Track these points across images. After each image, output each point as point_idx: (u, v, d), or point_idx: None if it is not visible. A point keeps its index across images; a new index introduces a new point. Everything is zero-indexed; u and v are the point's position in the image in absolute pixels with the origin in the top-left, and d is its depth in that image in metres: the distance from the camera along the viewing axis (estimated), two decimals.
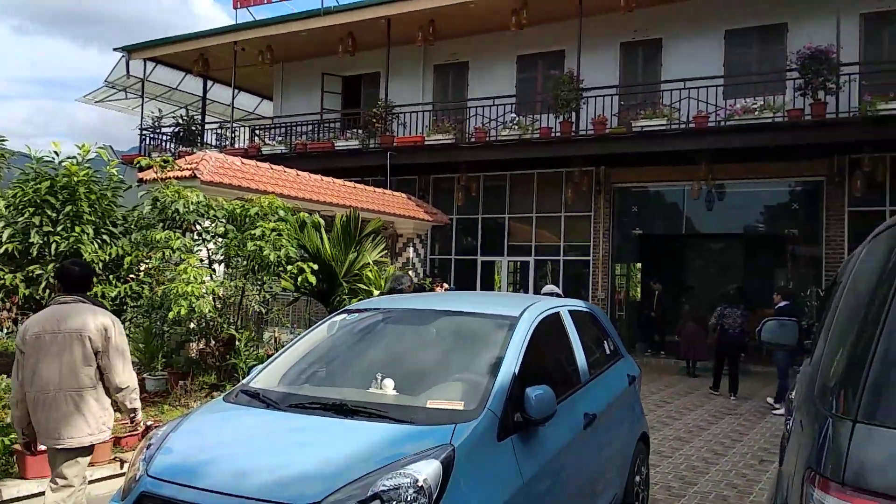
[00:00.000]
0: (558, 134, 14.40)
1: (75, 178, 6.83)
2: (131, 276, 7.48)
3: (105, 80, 22.04)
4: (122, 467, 5.51)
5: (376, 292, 8.05)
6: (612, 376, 4.66)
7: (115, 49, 20.53)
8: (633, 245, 16.89)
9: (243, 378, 3.95)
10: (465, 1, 15.12)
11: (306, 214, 8.94)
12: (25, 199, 6.77)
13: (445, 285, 11.09)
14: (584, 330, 4.49)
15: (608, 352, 4.88)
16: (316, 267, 8.00)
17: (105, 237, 7.13)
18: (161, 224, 7.69)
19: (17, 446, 4.99)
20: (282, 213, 8.12)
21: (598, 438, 4.01)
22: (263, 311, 8.99)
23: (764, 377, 12.23)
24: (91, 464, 4.51)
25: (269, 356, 7.73)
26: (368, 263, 8.87)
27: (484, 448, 2.89)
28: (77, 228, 6.74)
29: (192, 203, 7.62)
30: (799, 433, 1.91)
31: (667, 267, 17.34)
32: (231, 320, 8.23)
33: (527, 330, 3.58)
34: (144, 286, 7.44)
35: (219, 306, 8.04)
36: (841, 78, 12.21)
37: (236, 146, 18.86)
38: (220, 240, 8.03)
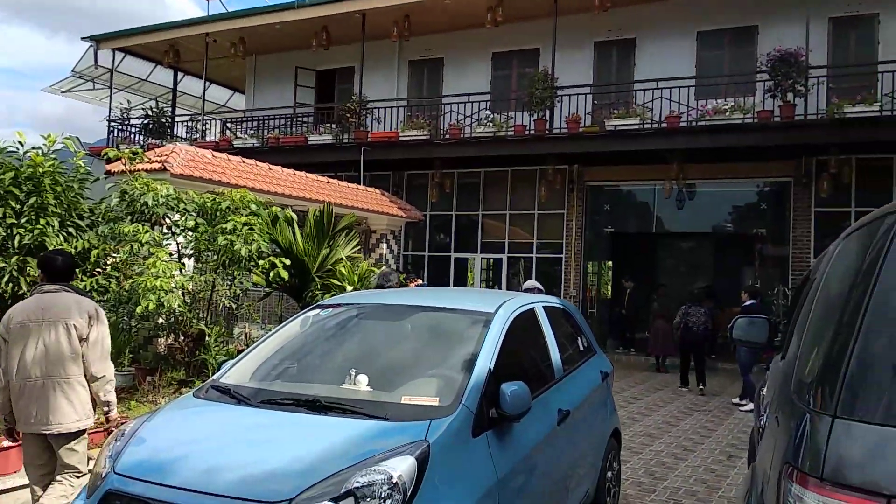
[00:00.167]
0: (532, 132, 14.43)
1: (40, 169, 6.66)
2: (98, 269, 7.33)
3: (72, 70, 21.56)
4: (88, 465, 5.38)
5: (350, 288, 7.99)
6: (586, 373, 4.68)
7: (83, 38, 20.11)
8: (605, 243, 17.03)
9: (213, 374, 3.89)
10: None
11: (279, 209, 8.84)
12: None
13: (419, 281, 11.06)
14: (559, 326, 4.50)
15: (582, 348, 4.90)
16: (288, 262, 7.93)
17: (71, 230, 6.97)
18: (129, 217, 7.54)
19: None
20: (254, 207, 8.02)
21: (571, 434, 4.02)
22: (234, 306, 8.87)
23: (732, 374, 12.42)
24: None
25: (239, 352, 7.63)
26: (342, 259, 8.81)
27: (459, 444, 2.87)
28: (42, 221, 6.57)
29: (161, 196, 7.49)
30: (774, 429, 1.92)
31: (638, 265, 17.53)
32: (201, 315, 8.10)
33: (502, 326, 3.57)
34: (111, 280, 7.29)
35: (188, 301, 7.91)
36: (809, 80, 12.43)
37: (207, 139, 18.58)
38: (190, 234, 7.90)
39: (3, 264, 6.49)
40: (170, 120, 19.79)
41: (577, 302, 15.21)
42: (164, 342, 8.09)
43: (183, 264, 8.01)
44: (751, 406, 9.62)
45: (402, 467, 2.57)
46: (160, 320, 7.88)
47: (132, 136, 19.47)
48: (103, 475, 2.88)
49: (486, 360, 3.26)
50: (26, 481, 4.30)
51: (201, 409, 3.32)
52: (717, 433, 8.17)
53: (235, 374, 3.67)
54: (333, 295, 7.28)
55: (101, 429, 5.53)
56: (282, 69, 19.17)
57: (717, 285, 16.12)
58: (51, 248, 6.48)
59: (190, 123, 19.81)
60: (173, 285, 7.14)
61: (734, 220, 15.67)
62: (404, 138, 15.76)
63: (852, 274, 1.68)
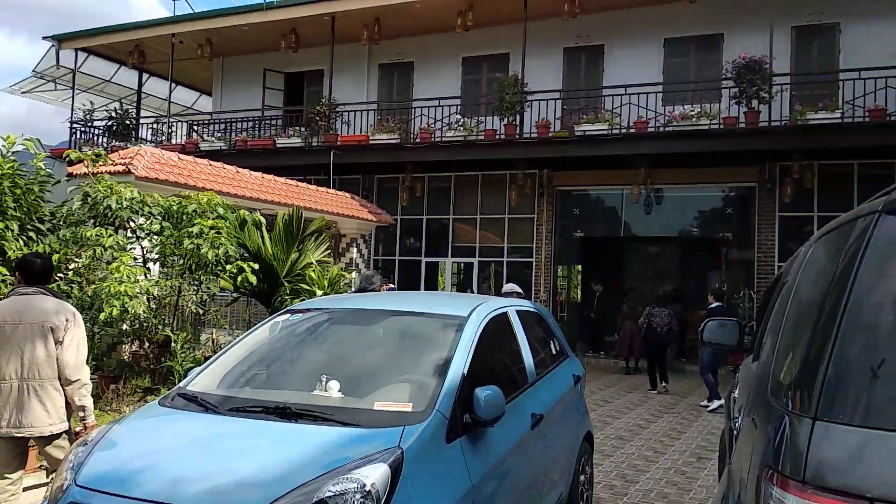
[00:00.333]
0: (503, 136, 14.48)
1: None
2: (59, 274, 7.12)
3: (33, 71, 21.05)
4: (48, 476, 5.21)
5: (319, 293, 7.90)
6: (558, 376, 4.67)
7: (44, 38, 19.64)
8: (575, 247, 17.14)
9: (179, 381, 3.79)
10: (411, 1, 15.06)
11: (247, 213, 8.71)
12: None
13: (390, 285, 10.99)
14: (532, 330, 4.49)
15: (554, 352, 4.90)
16: (256, 266, 7.79)
17: (31, 234, 6.76)
18: (92, 221, 7.35)
19: None
20: (221, 210, 7.88)
21: (544, 438, 4.00)
22: (201, 311, 8.70)
23: (699, 376, 12.54)
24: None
25: (206, 358, 7.48)
26: (311, 263, 8.70)
27: (433, 451, 2.83)
28: (0, 224, 6.37)
29: (125, 199, 7.31)
30: (751, 431, 1.91)
31: (607, 269, 17.68)
32: (166, 321, 7.93)
33: (475, 330, 3.54)
34: (74, 285, 7.10)
35: (153, 307, 7.74)
36: (773, 88, 12.68)
37: (173, 142, 18.27)
38: (155, 238, 7.73)
39: None
40: (134, 122, 19.42)
41: (548, 305, 15.28)
42: (129, 349, 7.89)
43: (148, 269, 7.84)
44: (715, 404, 9.80)
45: (375, 475, 2.51)
46: (124, 326, 7.69)
47: (95, 138, 19.05)
48: (64, 487, 2.77)
49: (459, 365, 3.22)
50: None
51: (167, 418, 3.23)
52: (687, 435, 8.25)
53: (203, 381, 3.58)
54: (303, 300, 7.19)
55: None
56: (250, 71, 18.96)
57: (685, 288, 16.37)
58: (10, 252, 6.28)
59: (155, 125, 19.46)
60: (138, 290, 6.97)
61: (701, 225, 15.90)
62: (374, 142, 15.69)
63: (827, 276, 1.68)
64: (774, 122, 12.77)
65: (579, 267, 18.11)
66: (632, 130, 13.59)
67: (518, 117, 14.30)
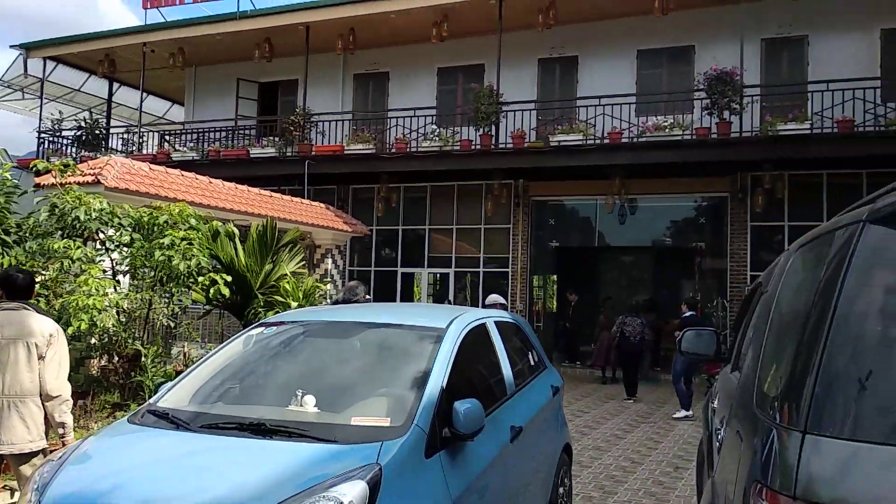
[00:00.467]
0: (478, 147, 14.50)
1: None
2: None
3: (0, 79, 20.64)
4: (12, 496, 5.04)
5: (294, 305, 7.78)
6: (537, 388, 4.64)
7: (11, 46, 19.27)
8: (550, 257, 17.19)
9: (150, 397, 3.69)
10: (386, 11, 15.07)
11: (220, 223, 8.57)
12: None
13: (367, 296, 10.89)
14: (510, 341, 4.45)
15: (532, 363, 4.86)
16: (229, 278, 7.66)
17: None
18: (60, 232, 7.17)
19: None
20: (193, 221, 7.74)
21: (524, 451, 3.96)
22: (172, 324, 8.54)
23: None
24: None
25: (178, 372, 7.32)
26: (286, 275, 8.57)
27: (412, 466, 2.77)
28: None
29: (94, 210, 7.14)
30: (737, 444, 1.89)
31: (581, 279, 17.76)
32: (137, 335, 7.76)
33: (454, 342, 3.49)
34: (41, 299, 6.90)
35: (123, 320, 7.56)
36: (744, 99, 12.87)
37: (144, 152, 18.00)
38: (125, 249, 7.57)
39: None
40: (104, 132, 19.11)
41: (524, 315, 15.27)
42: (97, 363, 7.70)
43: (118, 281, 7.67)
44: (681, 413, 9.89)
45: (353, 493, 2.45)
46: (93, 341, 7.50)
47: (64, 148, 18.72)
48: None
49: (438, 378, 3.16)
50: None
51: (136, 436, 3.12)
52: (663, 445, 8.26)
53: (174, 397, 3.48)
54: (277, 312, 7.08)
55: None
56: (223, 81, 18.78)
57: (658, 297, 16.48)
58: None
59: (126, 135, 19.16)
60: (107, 304, 6.80)
61: (674, 234, 16.05)
62: (349, 152, 15.62)
63: (810, 287, 1.67)
64: (746, 132, 12.96)
65: (555, 277, 18.15)
66: (606, 141, 13.70)
67: (493, 128, 14.34)
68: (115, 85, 20.70)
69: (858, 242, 1.43)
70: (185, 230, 7.48)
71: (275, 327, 4.03)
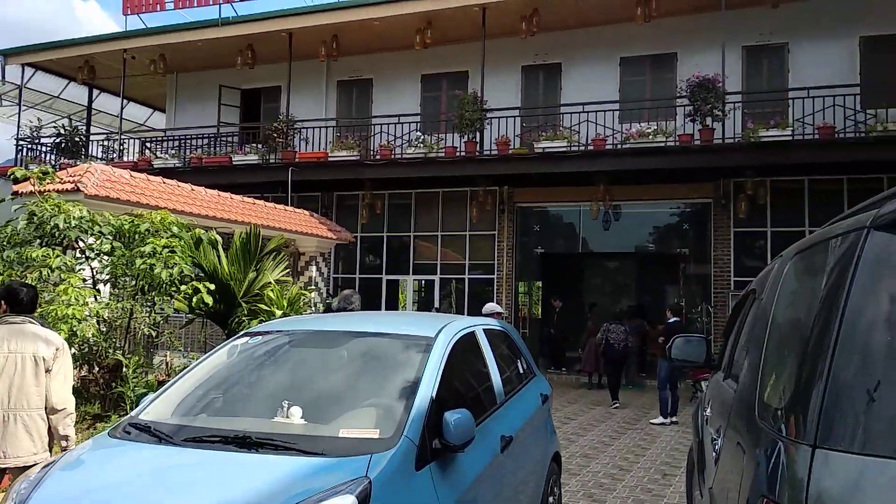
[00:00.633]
0: (463, 153, 14.48)
1: None
2: None
3: None
4: None
5: (279, 313, 7.69)
6: (526, 396, 4.59)
7: None
8: (535, 263, 17.20)
9: (131, 408, 3.60)
10: (369, 18, 15.03)
11: (202, 231, 8.45)
12: None
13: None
14: (499, 349, 4.41)
15: (521, 371, 4.82)
16: (212, 286, 7.55)
17: None
18: (38, 241, 7.04)
19: None
20: (175, 229, 7.64)
21: (514, 461, 3.91)
22: (154, 334, 8.39)
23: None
24: None
25: (159, 382, 7.19)
26: (270, 283, 8.47)
27: (402, 479, 2.71)
28: None
29: (74, 218, 7.02)
30: (738, 456, 1.85)
31: (566, 285, 17.79)
32: (118, 345, 7.62)
33: (443, 351, 3.43)
34: None
35: (104, 330, 7.43)
36: (726, 106, 12.96)
37: (125, 159, 17.80)
38: (105, 258, 7.44)
39: None
40: (84, 139, 18.87)
41: (510, 322, 15.25)
42: (78, 374, 7.54)
43: (98, 290, 7.54)
44: (660, 419, 9.91)
45: None
46: (73, 351, 7.35)
47: (43, 155, 18.46)
48: None
49: (427, 388, 3.11)
50: None
51: (117, 450, 3.03)
52: (651, 451, 8.24)
53: (156, 409, 3.38)
54: (262, 321, 6.99)
55: None
56: (205, 87, 18.63)
57: (643, 303, 16.54)
58: None
59: (106, 143, 18.95)
60: (87, 313, 6.68)
61: (658, 241, 16.12)
62: (333, 159, 15.53)
63: (812, 295, 1.63)
64: (728, 139, 13.05)
65: (540, 283, 18.16)
66: (590, 147, 13.73)
67: (478, 134, 14.34)
68: (95, 92, 20.45)
69: (863, 249, 1.39)
70: (166, 238, 7.37)
71: (260, 337, 3.95)
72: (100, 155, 18.79)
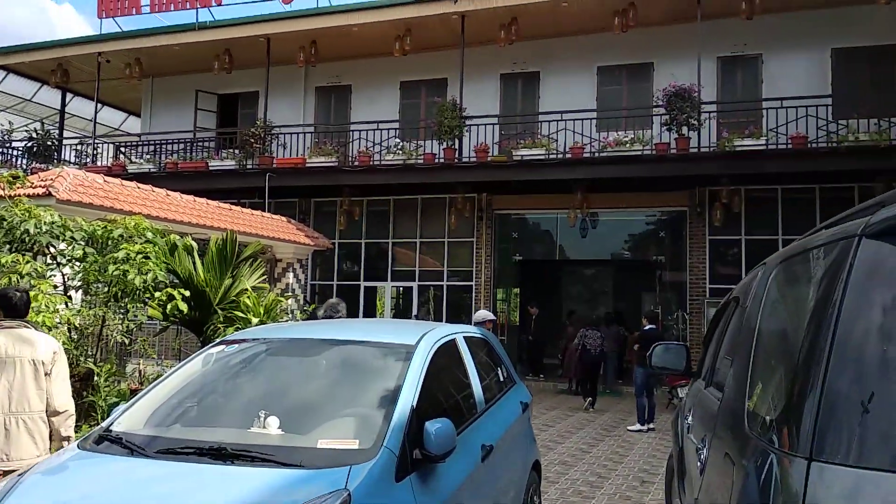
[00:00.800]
0: (442, 160, 14.47)
1: None
2: None
3: None
4: None
5: (255, 321, 7.57)
6: (507, 404, 4.55)
7: None
8: (513, 270, 17.22)
9: (103, 418, 3.50)
10: (348, 24, 14.99)
11: (177, 237, 8.32)
12: None
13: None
14: (480, 357, 4.37)
15: (501, 379, 4.79)
16: (187, 293, 7.42)
17: None
18: (8, 246, 6.85)
19: None
20: (150, 235, 7.49)
21: (494, 470, 3.87)
22: (127, 341, 8.23)
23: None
24: None
25: (132, 391, 7.04)
26: (246, 289, 8.34)
27: (382, 491, 2.66)
28: None
29: (45, 223, 6.85)
30: (727, 467, 1.83)
31: (544, 291, 17.83)
32: (89, 353, 7.45)
33: (424, 359, 3.39)
34: None
35: (75, 337, 7.25)
36: (702, 115, 13.10)
37: (99, 164, 17.50)
38: (77, 264, 7.27)
39: None
40: (57, 143, 18.54)
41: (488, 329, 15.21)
42: None
43: (69, 297, 7.36)
44: (638, 426, 9.95)
45: None
46: None
47: (14, 159, 18.10)
48: None
49: (408, 397, 3.06)
50: None
51: (87, 462, 2.94)
52: (629, 458, 8.25)
53: (128, 419, 3.29)
54: (238, 328, 6.89)
55: None
56: (181, 92, 18.41)
57: (620, 310, 16.63)
58: None
59: (79, 147, 18.61)
60: (58, 320, 6.52)
61: (635, 248, 16.24)
62: (311, 165, 15.43)
63: (800, 303, 1.62)
64: (704, 148, 13.20)
65: (517, 290, 18.18)
66: (568, 155, 13.80)
67: (457, 141, 14.34)
68: (69, 95, 20.14)
69: (855, 258, 1.38)
70: (140, 244, 7.23)
71: (236, 345, 3.87)
72: (73, 159, 18.46)
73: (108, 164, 17.26)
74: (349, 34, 15.37)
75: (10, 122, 18.60)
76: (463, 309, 15.72)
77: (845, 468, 1.24)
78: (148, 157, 17.50)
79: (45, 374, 4.10)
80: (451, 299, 15.97)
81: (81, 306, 7.57)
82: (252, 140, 15.76)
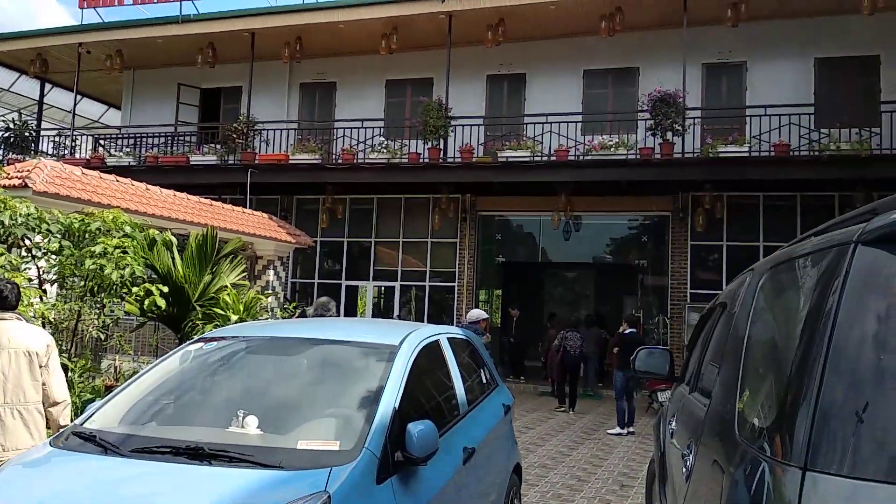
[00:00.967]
0: (426, 160, 14.42)
1: None
2: None
3: None
4: None
5: (234, 318, 7.48)
6: (489, 407, 4.52)
7: None
8: (496, 272, 17.21)
9: (77, 416, 3.42)
10: (334, 21, 14.90)
11: (157, 232, 8.19)
12: None
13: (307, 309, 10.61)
14: (463, 359, 4.33)
15: (484, 381, 4.75)
16: (166, 289, 7.31)
17: None
18: None
19: None
20: (128, 229, 7.36)
21: (476, 473, 3.83)
22: (103, 337, 8.09)
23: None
24: None
25: (108, 387, 6.93)
26: (226, 286, 8.24)
27: (362, 494, 2.61)
28: None
29: (20, 215, 6.71)
30: (716, 475, 1.80)
31: (526, 294, 17.84)
32: (64, 348, 7.30)
33: (407, 360, 3.34)
34: None
35: (49, 332, 7.11)
36: (686, 121, 13.18)
37: (77, 156, 17.24)
38: (53, 257, 7.13)
39: None
40: (34, 134, 18.23)
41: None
42: None
43: (44, 291, 7.22)
44: (617, 430, 9.98)
45: None
46: None
47: None
48: None
49: (390, 398, 3.01)
50: None
51: (59, 461, 2.86)
52: (609, 462, 8.26)
53: (102, 417, 3.21)
54: (217, 325, 6.80)
55: None
56: (163, 85, 18.19)
57: (601, 313, 16.69)
58: None
59: (58, 138, 18.33)
60: (31, 314, 6.39)
61: (617, 252, 16.30)
62: (294, 161, 15.31)
63: (793, 310, 1.60)
64: (688, 153, 13.28)
65: (499, 292, 18.18)
66: (553, 158, 13.81)
67: (442, 142, 14.30)
68: (48, 86, 19.81)
69: (851, 265, 1.36)
70: (118, 238, 7.11)
71: (215, 342, 3.79)
72: (51, 151, 18.18)
73: (87, 157, 17.01)
74: (335, 31, 15.28)
75: None
76: (445, 310, 15.68)
77: (840, 478, 1.22)
78: (128, 150, 17.28)
79: (41, 366, 4.14)
80: (434, 300, 15.93)
81: (56, 300, 7.44)
82: (234, 135, 15.61)
